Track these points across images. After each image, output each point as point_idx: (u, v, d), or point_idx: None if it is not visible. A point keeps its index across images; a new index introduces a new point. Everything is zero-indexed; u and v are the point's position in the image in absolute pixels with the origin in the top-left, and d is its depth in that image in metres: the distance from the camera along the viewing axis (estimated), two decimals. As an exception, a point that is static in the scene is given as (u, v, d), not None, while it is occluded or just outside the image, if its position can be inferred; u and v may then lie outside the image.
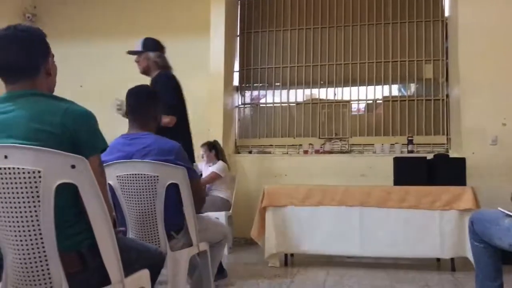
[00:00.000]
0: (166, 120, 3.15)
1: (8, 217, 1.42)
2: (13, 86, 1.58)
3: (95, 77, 6.43)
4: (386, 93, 6.14)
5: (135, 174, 2.23)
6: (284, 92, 6.44)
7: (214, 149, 5.34)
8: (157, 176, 2.23)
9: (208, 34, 5.98)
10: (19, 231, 1.43)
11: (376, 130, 6.05)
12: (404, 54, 6.05)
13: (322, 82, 6.31)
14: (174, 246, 2.35)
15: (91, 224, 1.48)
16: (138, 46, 3.47)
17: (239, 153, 6.34)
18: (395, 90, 6.17)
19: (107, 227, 1.50)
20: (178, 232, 2.41)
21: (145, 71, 3.47)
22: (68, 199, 1.47)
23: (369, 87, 6.15)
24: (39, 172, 1.38)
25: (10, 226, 1.43)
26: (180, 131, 3.26)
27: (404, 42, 6.06)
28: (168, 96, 3.19)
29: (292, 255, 4.56)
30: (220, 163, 5.24)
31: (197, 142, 5.34)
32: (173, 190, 2.31)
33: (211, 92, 5.94)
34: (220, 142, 5.60)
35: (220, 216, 4.68)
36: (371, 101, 6.18)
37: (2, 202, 1.42)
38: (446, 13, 5.95)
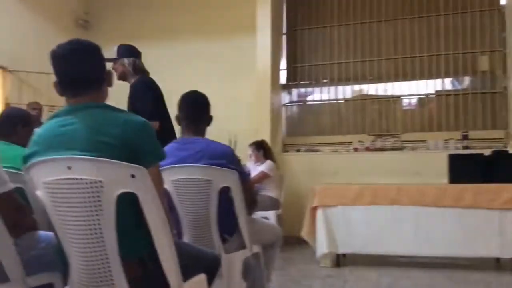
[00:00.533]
0: None
1: (73, 225, 1.48)
2: (76, 99, 1.62)
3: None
4: (439, 87, 5.94)
5: (189, 178, 2.26)
6: (332, 88, 6.35)
7: (262, 149, 5.34)
8: (210, 180, 2.25)
9: (255, 32, 5.98)
10: (83, 238, 1.48)
11: (429, 126, 5.86)
12: (457, 46, 5.82)
13: (371, 78, 6.18)
14: (228, 249, 2.36)
15: (150, 231, 1.51)
16: (113, 54, 3.48)
17: (287, 151, 6.31)
18: (448, 84, 5.95)
19: (166, 234, 1.53)
20: (231, 234, 2.43)
21: (122, 77, 3.49)
22: (128, 207, 1.50)
23: (420, 81, 5.97)
24: (100, 182, 1.43)
25: (74, 234, 1.49)
26: (165, 132, 3.28)
27: (457, 33, 5.83)
28: (148, 102, 3.28)
29: (344, 255, 4.50)
30: (268, 162, 5.23)
31: (245, 142, 5.37)
32: (226, 193, 2.33)
33: (258, 91, 5.94)
34: (268, 141, 5.59)
35: (269, 216, 4.67)
36: (423, 96, 5.99)
37: (67, 211, 1.48)
38: (502, 1, 5.68)
